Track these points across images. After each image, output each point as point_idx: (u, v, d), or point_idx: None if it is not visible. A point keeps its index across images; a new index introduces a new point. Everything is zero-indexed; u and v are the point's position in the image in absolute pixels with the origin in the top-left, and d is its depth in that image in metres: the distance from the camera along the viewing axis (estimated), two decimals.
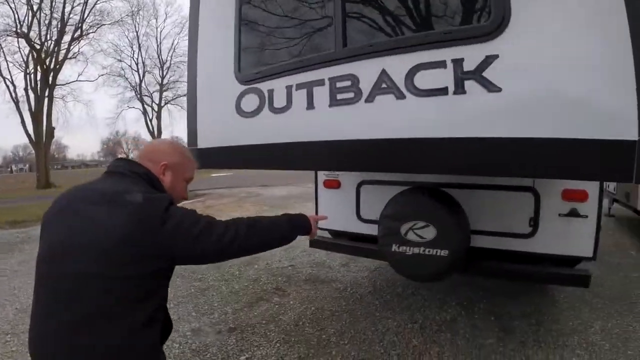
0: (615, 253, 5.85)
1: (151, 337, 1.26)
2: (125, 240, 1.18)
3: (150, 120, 38.73)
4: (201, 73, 2.94)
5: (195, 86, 2.96)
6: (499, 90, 1.73)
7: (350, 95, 2.17)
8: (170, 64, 37.97)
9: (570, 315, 3.80)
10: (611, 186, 7.97)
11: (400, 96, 1.99)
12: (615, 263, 5.36)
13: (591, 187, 2.98)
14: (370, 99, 2.10)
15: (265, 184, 18.57)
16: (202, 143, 2.95)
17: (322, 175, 4.14)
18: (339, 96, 2.22)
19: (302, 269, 5.52)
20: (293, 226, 1.55)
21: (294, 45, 2.52)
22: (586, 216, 2.98)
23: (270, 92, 2.54)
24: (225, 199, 12.87)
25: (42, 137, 23.46)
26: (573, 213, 3.00)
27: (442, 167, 2.01)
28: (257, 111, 2.61)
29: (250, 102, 2.64)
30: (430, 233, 2.89)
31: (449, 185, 3.22)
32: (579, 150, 1.55)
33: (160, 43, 39.64)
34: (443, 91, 1.86)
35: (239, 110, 2.69)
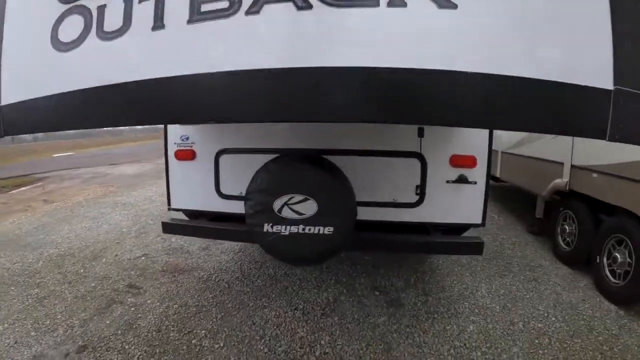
0: None
1: None
2: None
3: None
4: None
5: None
6: (455, 7, 1.16)
7: (224, 3, 1.35)
8: None
9: (453, 280, 3.70)
10: None
11: (305, 5, 1.26)
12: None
13: (480, 152, 2.76)
14: (254, 9, 1.31)
15: (114, 162, 16.25)
16: (9, 97, 1.81)
17: (173, 145, 3.27)
18: (205, 6, 1.36)
19: (157, 257, 4.56)
20: None
21: None
22: (475, 182, 2.76)
23: (101, 8, 1.55)
24: (68, 181, 10.92)
25: None
26: (461, 179, 2.74)
27: (368, 112, 1.30)
28: (80, 40, 1.60)
29: (71, 28, 1.60)
30: (310, 208, 2.31)
31: (328, 152, 2.69)
32: (548, 97, 1.13)
33: None
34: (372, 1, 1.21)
35: (55, 41, 1.65)
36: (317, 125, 2.81)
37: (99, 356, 2.72)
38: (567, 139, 4.04)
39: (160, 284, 3.80)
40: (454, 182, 2.76)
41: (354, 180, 2.53)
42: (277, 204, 2.37)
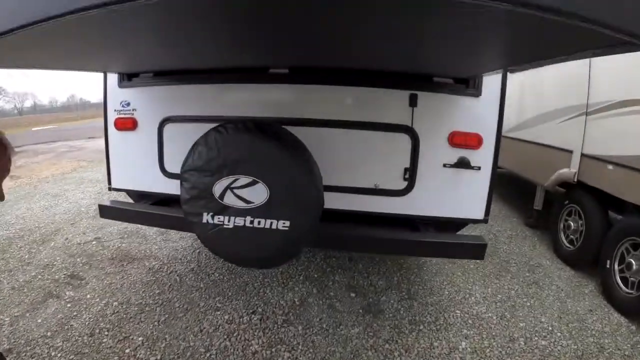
0: None
1: None
2: None
3: None
4: None
5: None
6: None
7: None
8: None
9: (443, 281, 3.16)
10: None
11: None
12: None
13: (487, 130, 2.18)
14: None
15: (93, 135, 15.30)
16: None
17: (113, 112, 2.64)
18: None
19: (110, 242, 3.98)
20: None
21: None
22: (478, 168, 2.17)
23: None
24: (41, 155, 10.20)
25: None
26: (462, 163, 2.16)
27: None
28: None
29: None
30: (259, 194, 1.71)
31: (291, 122, 2.08)
32: None
33: None
34: None
35: None
36: (280, 89, 2.20)
37: None
38: (579, 124, 3.47)
39: (105, 275, 3.23)
40: (452, 166, 2.18)
41: (322, 158, 1.91)
42: (217, 188, 1.77)
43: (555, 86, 3.99)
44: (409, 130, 2.17)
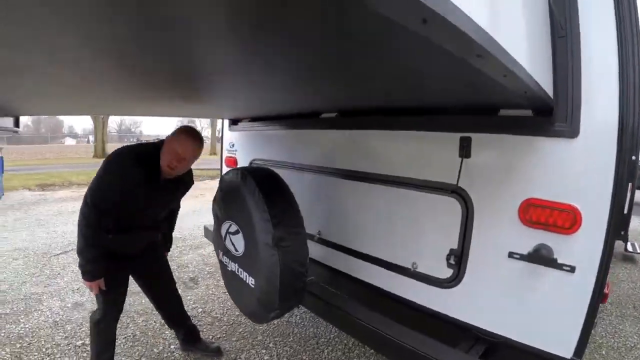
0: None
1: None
2: None
3: None
4: None
5: None
6: None
7: None
8: None
9: None
10: None
11: None
12: None
13: (589, 201, 1.26)
14: None
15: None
16: None
17: (225, 151, 2.99)
18: None
19: None
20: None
21: None
22: (570, 268, 1.28)
23: None
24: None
25: None
26: (541, 257, 1.32)
27: None
28: None
29: None
30: (240, 243, 1.54)
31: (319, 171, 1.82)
32: None
33: None
34: None
35: None
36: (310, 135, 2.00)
37: None
38: None
39: (215, 287, 3.55)
40: (524, 258, 1.37)
41: (355, 217, 1.57)
42: (223, 230, 1.70)
43: None
44: (457, 194, 1.51)
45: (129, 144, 1.79)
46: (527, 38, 0.97)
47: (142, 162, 1.69)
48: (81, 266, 1.69)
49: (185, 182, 1.92)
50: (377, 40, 0.68)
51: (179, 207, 2.21)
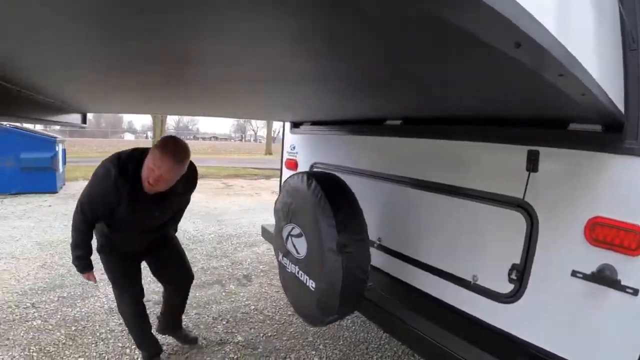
0: None
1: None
2: None
3: None
4: None
5: None
6: None
7: None
8: None
9: None
10: None
11: None
12: None
13: None
14: None
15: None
16: None
17: (286, 154, 3.12)
18: None
19: None
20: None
21: None
22: (633, 290, 1.23)
23: None
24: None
25: None
26: (604, 277, 1.28)
27: None
28: None
29: None
30: (302, 246, 1.64)
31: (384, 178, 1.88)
32: None
33: None
34: None
35: None
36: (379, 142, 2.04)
37: None
38: None
39: (269, 285, 3.63)
40: (587, 277, 1.33)
41: (418, 226, 1.64)
42: (285, 232, 1.82)
43: None
44: (522, 208, 1.49)
45: (122, 149, 1.74)
46: (598, 52, 0.95)
47: (127, 175, 1.62)
48: (72, 260, 1.86)
49: (179, 194, 1.79)
50: (464, 60, 0.72)
51: (187, 202, 2.09)
